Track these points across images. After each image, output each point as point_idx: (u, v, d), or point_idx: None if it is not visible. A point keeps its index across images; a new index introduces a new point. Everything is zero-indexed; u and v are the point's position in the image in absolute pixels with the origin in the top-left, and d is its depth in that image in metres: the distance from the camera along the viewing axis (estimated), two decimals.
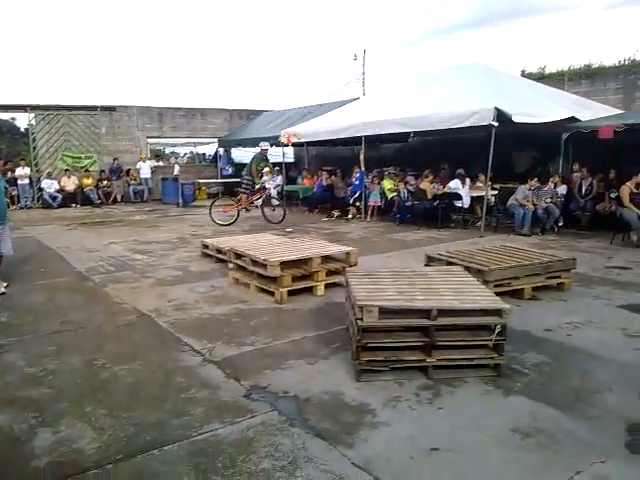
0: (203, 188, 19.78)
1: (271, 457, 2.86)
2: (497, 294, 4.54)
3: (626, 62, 12.26)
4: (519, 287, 5.77)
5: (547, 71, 13.74)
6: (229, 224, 12.29)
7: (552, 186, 10.19)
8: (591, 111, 10.87)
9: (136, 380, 3.90)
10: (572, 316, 5.13)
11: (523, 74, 13.84)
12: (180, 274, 7.23)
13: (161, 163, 20.48)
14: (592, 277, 6.62)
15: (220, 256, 7.65)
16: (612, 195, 9.81)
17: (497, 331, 3.76)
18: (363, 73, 24.39)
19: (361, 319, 3.71)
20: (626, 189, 8.99)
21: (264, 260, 5.79)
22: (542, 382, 3.72)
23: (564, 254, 7.36)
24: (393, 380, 3.74)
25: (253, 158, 13.13)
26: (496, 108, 9.37)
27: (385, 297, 3.93)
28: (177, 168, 18.94)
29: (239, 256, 6.46)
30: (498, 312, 3.78)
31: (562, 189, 10.52)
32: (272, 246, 6.80)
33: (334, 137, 13.43)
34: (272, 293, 5.79)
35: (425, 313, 3.75)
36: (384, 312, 3.74)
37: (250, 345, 4.51)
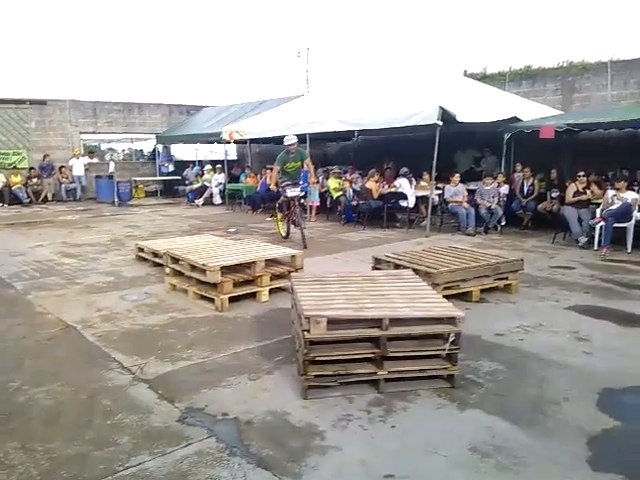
0: (140, 186, 18.98)
1: None
2: (446, 297, 4.40)
3: (564, 64, 12.55)
4: (468, 289, 5.65)
5: (489, 72, 13.90)
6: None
7: (495, 186, 10.24)
8: (532, 111, 11.02)
9: (56, 404, 3.46)
10: (522, 319, 5.03)
11: (465, 74, 13.95)
12: (112, 280, 6.71)
13: (95, 160, 19.47)
14: (537, 278, 6.60)
15: (156, 260, 7.18)
16: (553, 194, 9.95)
17: (451, 340, 3.56)
18: (307, 71, 24.14)
19: (308, 331, 3.41)
20: (572, 187, 9.12)
21: (203, 265, 5.41)
22: (497, 393, 3.55)
23: (509, 254, 7.35)
24: (342, 396, 3.47)
25: (277, 160, 9.36)
26: (440, 107, 9.30)
27: (334, 306, 3.65)
28: (112, 165, 18.06)
29: (176, 260, 6.03)
30: (452, 320, 3.58)
31: (504, 189, 10.60)
32: (212, 249, 6.41)
33: (278, 134, 13.08)
34: (212, 300, 5.41)
35: (376, 322, 3.50)
36: (333, 322, 3.46)
37: (187, 359, 4.14)
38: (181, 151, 20.26)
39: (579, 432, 3.02)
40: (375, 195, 10.95)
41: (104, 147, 22.43)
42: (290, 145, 9.11)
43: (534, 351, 4.25)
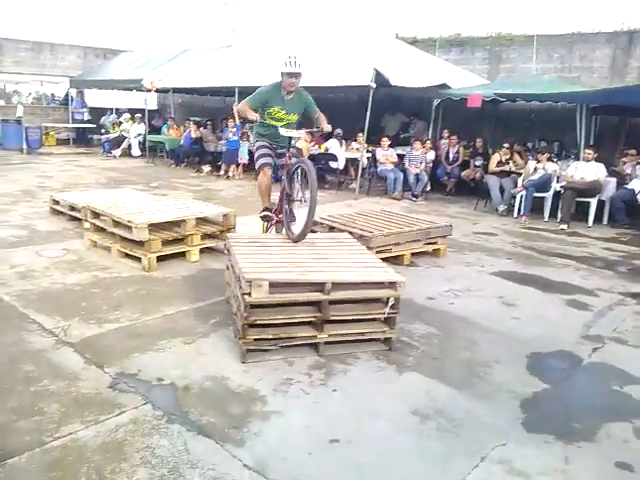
0: (52, 133, 17.61)
1: (147, 464, 2.40)
2: None
3: (493, 34, 12.78)
4: (399, 253, 5.73)
5: (419, 37, 13.91)
6: None
7: (424, 152, 10.38)
8: (461, 79, 11.19)
9: None
10: (451, 284, 5.17)
11: (397, 38, 13.88)
12: (25, 234, 6.20)
13: (1, 102, 17.80)
14: (463, 243, 6.81)
15: (74, 214, 6.70)
16: (477, 163, 10.24)
17: (391, 304, 3.59)
18: (233, 19, 23.12)
19: (249, 294, 3.30)
20: (496, 157, 9.42)
21: (129, 221, 5.10)
22: (433, 356, 3.63)
23: (435, 219, 7.51)
24: (282, 359, 3.42)
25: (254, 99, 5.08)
26: (375, 69, 9.21)
27: (275, 269, 3.55)
28: (20, 109, 16.55)
29: (97, 215, 5.66)
30: (393, 284, 3.60)
31: (431, 155, 10.78)
32: (137, 204, 6.06)
33: (204, 85, 12.53)
34: (138, 259, 5.13)
35: (319, 286, 3.44)
36: (275, 286, 3.37)
37: (114, 322, 3.90)
38: (96, 97, 18.92)
39: (512, 395, 3.15)
40: (305, 155, 10.79)
41: (10, 89, 20.54)
42: (290, 76, 4.73)
43: (465, 315, 4.38)
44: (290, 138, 4.87)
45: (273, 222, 5.14)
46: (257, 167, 5.08)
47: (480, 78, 12.05)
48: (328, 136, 11.33)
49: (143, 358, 3.38)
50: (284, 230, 4.69)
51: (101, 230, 5.63)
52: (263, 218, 5.15)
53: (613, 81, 11.17)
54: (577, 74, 11.75)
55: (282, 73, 4.78)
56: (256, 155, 5.09)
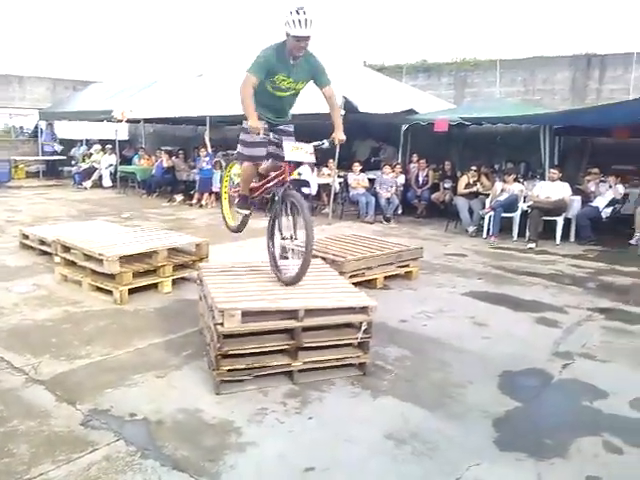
0: (21, 166, 17.39)
1: None
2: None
3: (458, 60, 13.18)
4: (372, 277, 5.79)
5: (387, 64, 14.26)
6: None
7: (394, 176, 10.55)
8: (428, 104, 11.46)
9: None
10: (423, 305, 5.24)
11: (365, 65, 14.19)
12: None
13: None
14: (434, 265, 6.91)
15: (44, 248, 6.61)
16: (446, 185, 10.45)
17: (363, 328, 3.62)
18: (204, 48, 23.36)
19: (222, 324, 3.30)
20: (464, 179, 9.64)
21: (100, 254, 5.06)
22: (407, 379, 3.66)
23: (407, 242, 7.61)
24: (257, 389, 3.41)
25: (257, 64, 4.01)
26: (344, 97, 9.39)
27: (247, 297, 3.57)
28: None
29: (68, 249, 5.60)
30: (365, 309, 3.64)
31: (401, 179, 10.95)
32: (108, 236, 6.02)
33: (176, 115, 12.57)
34: (110, 292, 5.08)
35: (292, 314, 3.46)
36: (247, 315, 3.38)
37: (85, 357, 3.85)
38: (66, 129, 18.80)
39: (484, 415, 3.20)
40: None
41: None
42: (299, 39, 3.72)
43: (437, 336, 4.44)
44: (284, 100, 4.05)
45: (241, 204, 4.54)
46: (247, 157, 4.17)
47: (446, 103, 12.37)
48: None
49: (115, 393, 3.34)
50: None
51: (72, 264, 5.56)
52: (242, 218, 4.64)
53: (574, 102, 11.58)
54: (539, 96, 12.16)
55: (287, 34, 3.72)
56: (244, 142, 4.12)
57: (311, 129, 6.08)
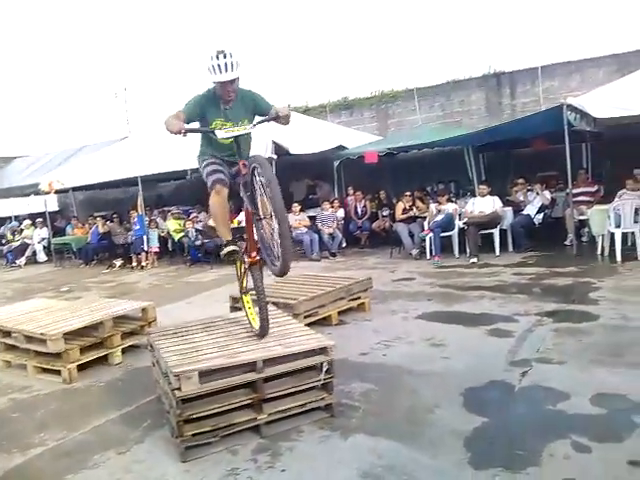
0: None
1: None
2: (307, 325, 4.48)
3: (377, 93, 13.69)
4: (327, 314, 5.78)
5: (310, 105, 14.63)
6: None
7: (333, 211, 10.72)
8: (355, 139, 11.81)
9: None
10: (380, 335, 5.26)
11: (290, 108, 14.51)
12: None
13: None
14: (385, 292, 6.99)
15: None
16: (384, 213, 10.70)
17: (325, 369, 3.59)
18: (126, 111, 23.17)
19: (179, 389, 3.20)
20: (400, 205, 9.90)
21: (42, 334, 4.82)
22: (375, 413, 3.63)
23: (356, 274, 7.69)
24: (225, 449, 3.29)
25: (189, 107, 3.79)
26: (274, 142, 9.55)
27: (202, 356, 3.47)
28: None
29: (7, 333, 5.32)
30: (324, 350, 3.62)
31: (340, 213, 11.14)
32: (49, 314, 5.75)
33: (106, 179, 12.36)
34: (58, 372, 4.83)
35: (251, 366, 3.40)
36: (204, 375, 3.29)
37: (40, 446, 3.61)
38: None
39: (455, 435, 3.20)
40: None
41: None
42: (224, 85, 3.56)
43: (398, 364, 4.45)
44: (237, 139, 3.60)
45: (246, 265, 3.94)
46: (209, 187, 3.78)
47: (372, 135, 12.79)
48: (238, 210, 11.43)
49: (76, 479, 3.14)
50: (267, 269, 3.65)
51: (13, 348, 5.28)
52: (229, 256, 3.85)
53: (492, 119, 12.23)
54: (458, 118, 12.77)
55: (215, 81, 3.54)
56: (204, 175, 3.84)
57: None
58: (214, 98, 3.67)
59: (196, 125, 3.75)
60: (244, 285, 4.12)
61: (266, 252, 3.66)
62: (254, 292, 3.83)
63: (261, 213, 3.52)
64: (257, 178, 3.41)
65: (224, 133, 3.51)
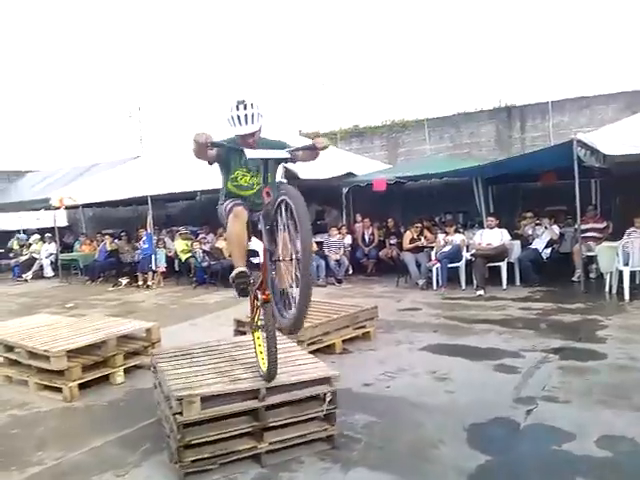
0: None
1: None
2: (311, 352, 4.45)
3: (388, 122, 13.84)
4: (331, 342, 5.75)
5: (321, 131, 14.79)
6: None
7: (340, 237, 10.74)
8: (364, 166, 11.88)
9: None
10: (384, 366, 5.21)
11: (300, 134, 14.66)
12: None
13: None
14: (390, 322, 6.95)
15: None
16: (392, 241, 10.70)
17: (328, 400, 3.56)
18: (140, 131, 23.49)
19: (181, 413, 3.17)
20: (408, 235, 9.91)
21: (45, 351, 4.82)
22: (377, 446, 3.58)
23: (362, 301, 7.66)
24: (224, 477, 3.25)
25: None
26: (284, 166, 9.59)
27: (205, 381, 3.45)
28: None
29: (10, 348, 5.32)
30: (327, 380, 3.59)
31: (348, 239, 11.16)
32: (53, 330, 5.75)
33: (117, 197, 12.46)
34: (59, 389, 4.81)
35: (253, 393, 3.37)
36: (207, 400, 3.26)
37: (38, 464, 3.58)
38: (2, 221, 18.26)
39: (457, 472, 3.15)
40: (226, 254, 10.82)
41: None
42: (245, 137, 3.41)
43: (402, 396, 4.40)
44: (265, 166, 3.33)
45: (259, 302, 3.62)
46: (227, 212, 3.55)
47: (381, 163, 12.87)
48: None
49: None
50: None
51: (16, 363, 5.27)
52: (237, 285, 3.48)
53: (501, 152, 12.30)
54: (467, 150, 12.84)
55: (238, 133, 3.40)
56: (225, 213, 3.59)
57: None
58: (236, 149, 3.43)
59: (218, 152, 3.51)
60: (255, 320, 3.79)
61: (275, 298, 3.31)
62: (264, 331, 3.48)
63: (280, 254, 3.16)
64: (284, 214, 2.99)
65: (254, 153, 3.23)
